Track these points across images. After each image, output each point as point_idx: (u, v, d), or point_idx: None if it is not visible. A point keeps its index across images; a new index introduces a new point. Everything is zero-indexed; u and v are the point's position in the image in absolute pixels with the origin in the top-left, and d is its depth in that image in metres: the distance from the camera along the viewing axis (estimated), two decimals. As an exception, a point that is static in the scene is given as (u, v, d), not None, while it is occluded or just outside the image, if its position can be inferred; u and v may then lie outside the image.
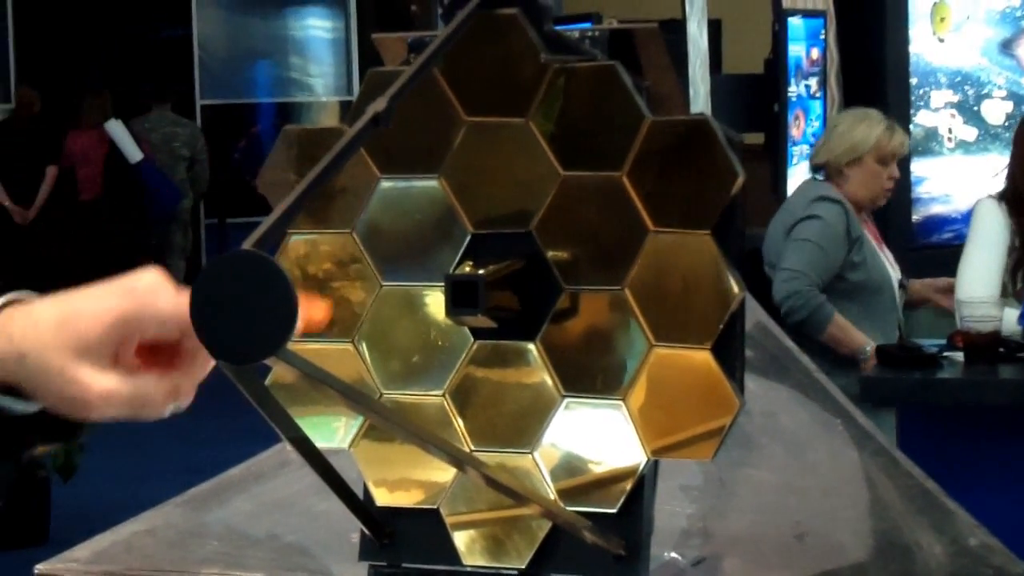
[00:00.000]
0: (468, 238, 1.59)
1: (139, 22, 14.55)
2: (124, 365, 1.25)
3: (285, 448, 1.47)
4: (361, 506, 1.61)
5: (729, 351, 1.51)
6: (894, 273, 5.43)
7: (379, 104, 1.35)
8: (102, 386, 1.23)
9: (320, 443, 1.54)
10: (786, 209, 5.42)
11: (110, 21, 14.42)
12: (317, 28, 15.10)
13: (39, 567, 1.89)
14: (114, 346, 1.24)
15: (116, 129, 11.87)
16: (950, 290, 5.37)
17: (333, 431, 1.63)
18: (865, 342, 5.13)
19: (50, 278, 5.49)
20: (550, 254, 1.56)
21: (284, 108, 14.69)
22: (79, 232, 11.83)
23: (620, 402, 1.55)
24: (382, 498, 1.64)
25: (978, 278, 5.14)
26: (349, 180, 1.61)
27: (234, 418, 4.61)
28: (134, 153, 11.81)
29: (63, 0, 14.13)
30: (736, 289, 1.50)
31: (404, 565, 1.63)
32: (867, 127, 5.35)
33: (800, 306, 5.09)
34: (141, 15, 14.50)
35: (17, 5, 14.09)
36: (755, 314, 2.30)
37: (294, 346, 1.55)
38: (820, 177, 5.42)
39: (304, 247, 1.63)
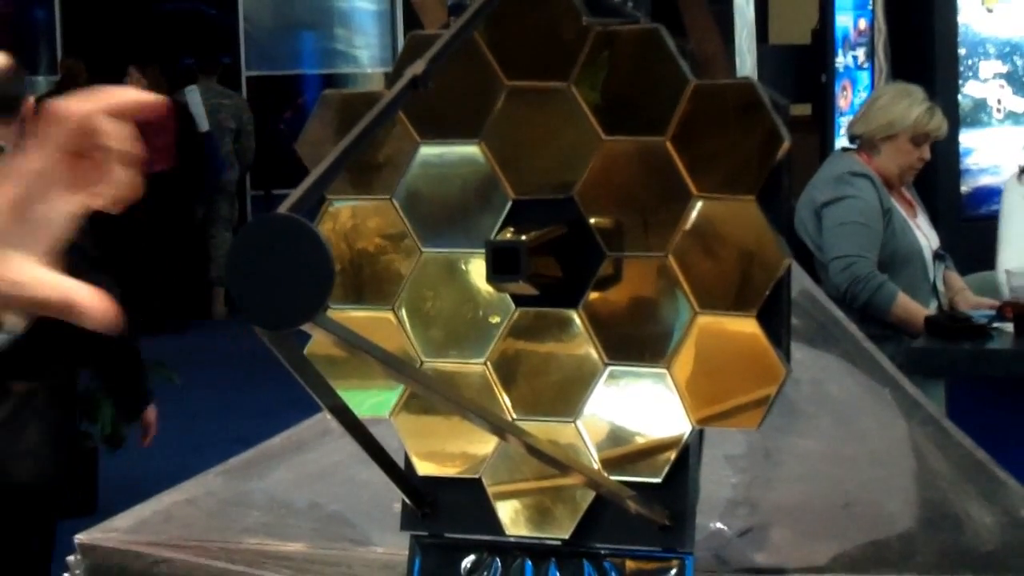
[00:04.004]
0: (509, 204, 1.57)
1: (185, -6, 14.59)
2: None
3: (326, 417, 1.46)
4: (402, 476, 1.60)
5: (775, 318, 1.49)
6: (928, 243, 5.38)
7: (417, 67, 1.32)
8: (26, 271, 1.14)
9: (360, 412, 1.53)
10: (814, 183, 5.39)
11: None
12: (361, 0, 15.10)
13: (79, 536, 1.88)
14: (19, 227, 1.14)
15: (193, 96, 11.85)
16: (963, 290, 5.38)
17: (373, 401, 1.62)
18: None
19: (116, 251, 5.41)
20: (592, 220, 1.54)
21: (329, 79, 14.67)
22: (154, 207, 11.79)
23: (664, 371, 1.53)
24: (423, 468, 1.62)
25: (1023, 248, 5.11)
26: (389, 146, 1.60)
27: (283, 389, 4.60)
28: (204, 122, 11.81)
29: (109, -28, 14.17)
30: (782, 255, 1.48)
31: (446, 535, 1.62)
32: (907, 105, 5.32)
33: (862, 289, 5.06)
34: (187, -13, 14.54)
35: (63, -22, 14.15)
36: (801, 281, 2.28)
37: (332, 314, 1.54)
38: (854, 147, 5.39)
39: (345, 213, 1.62)
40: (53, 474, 4.36)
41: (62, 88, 12.37)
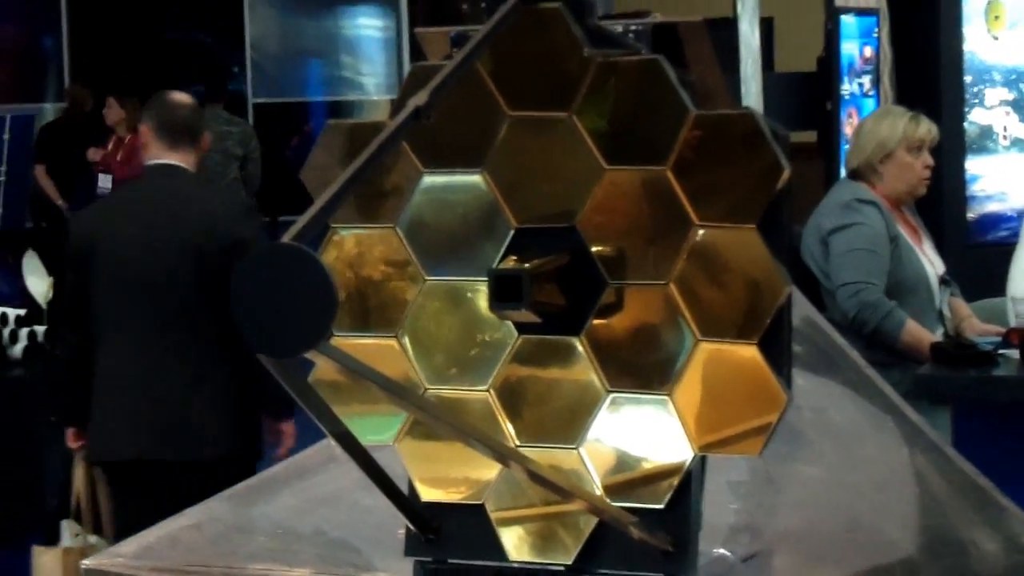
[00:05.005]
0: (512, 233, 1.58)
1: (192, 22, 14.62)
2: None
3: (331, 443, 1.47)
4: (406, 502, 1.61)
5: (776, 346, 1.50)
6: (933, 269, 5.39)
7: (420, 97, 1.34)
8: None
9: (365, 439, 1.54)
10: (820, 211, 5.40)
11: (163, 21, 14.50)
12: (368, 27, 15.14)
13: (86, 563, 1.89)
14: None
15: None
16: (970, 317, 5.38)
17: (377, 427, 1.63)
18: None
19: None
20: (594, 249, 1.55)
21: (336, 107, 14.71)
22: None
23: (666, 398, 1.54)
24: (427, 494, 1.63)
25: None
26: (393, 175, 1.61)
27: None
28: None
29: (117, 1, 14.21)
30: (783, 283, 1.49)
31: (450, 561, 1.63)
32: (891, 121, 5.34)
33: (870, 316, 5.06)
34: (193, 15, 14.57)
35: (71, 5, 14.18)
36: (803, 308, 2.29)
37: (337, 341, 1.55)
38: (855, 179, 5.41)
39: (349, 241, 1.63)
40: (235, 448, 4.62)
41: (68, 115, 12.41)
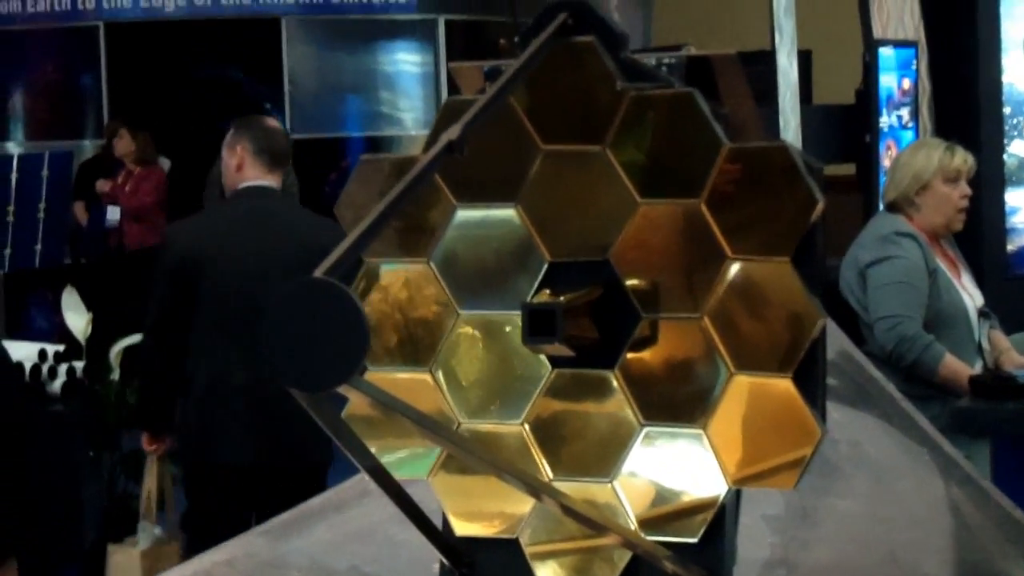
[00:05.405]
0: (545, 266, 1.58)
1: (230, 59, 14.71)
2: None
3: (365, 478, 1.47)
4: (440, 536, 1.61)
5: (811, 379, 1.50)
6: (972, 302, 5.38)
7: (453, 131, 1.35)
8: None
9: (398, 474, 1.54)
10: (859, 243, 5.40)
11: (201, 58, 14.60)
12: (406, 63, 15.20)
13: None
14: None
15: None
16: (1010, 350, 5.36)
17: (411, 462, 1.63)
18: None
19: (142, 307, 5.69)
20: (628, 282, 1.55)
21: (373, 142, 14.77)
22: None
23: (700, 431, 1.54)
24: (461, 528, 1.63)
25: None
26: (427, 209, 1.62)
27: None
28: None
29: (155, 39, 14.31)
30: (817, 316, 1.49)
31: (484, 595, 1.63)
32: (926, 153, 5.36)
33: (908, 349, 5.06)
34: (232, 52, 14.66)
35: (110, 43, 14.29)
36: (839, 341, 2.29)
37: (370, 376, 1.55)
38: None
39: (383, 276, 1.63)
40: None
41: (106, 151, 12.51)
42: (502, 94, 1.47)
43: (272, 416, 4.92)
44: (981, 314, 5.40)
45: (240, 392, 4.97)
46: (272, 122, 5.62)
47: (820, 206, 1.49)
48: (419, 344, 1.62)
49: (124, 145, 12.24)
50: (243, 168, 5.28)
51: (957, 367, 5.11)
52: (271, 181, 5.31)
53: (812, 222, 1.49)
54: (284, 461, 4.99)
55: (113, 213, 12.02)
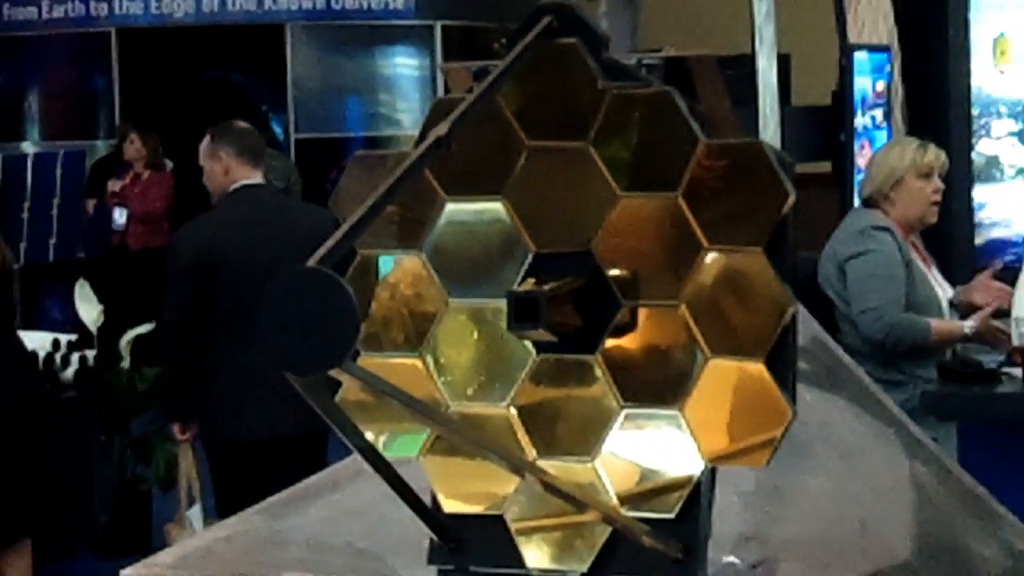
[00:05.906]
0: (530, 257, 1.65)
1: (236, 62, 14.83)
2: None
3: (358, 459, 1.53)
4: (429, 513, 1.67)
5: (782, 363, 1.56)
6: (943, 293, 5.49)
7: (441, 128, 1.41)
8: None
9: (389, 454, 1.61)
10: (837, 238, 5.48)
11: (209, 61, 14.70)
12: (404, 66, 15.34)
13: (125, 572, 1.96)
14: None
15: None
16: (983, 288, 5.44)
17: (402, 443, 1.69)
18: (963, 326, 5.22)
19: (148, 300, 5.90)
20: (609, 272, 1.61)
21: (373, 141, 14.83)
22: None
23: (677, 413, 1.60)
24: (449, 505, 1.69)
25: None
26: (417, 202, 1.68)
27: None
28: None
29: (165, 44, 14.37)
30: (788, 302, 1.56)
31: (471, 568, 1.69)
32: (900, 150, 5.46)
33: (901, 335, 5.15)
34: (238, 55, 14.78)
35: (122, 48, 14.35)
36: (811, 328, 2.35)
37: (363, 360, 1.62)
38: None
39: (375, 265, 1.69)
40: None
41: (118, 151, 12.55)
42: (489, 93, 1.53)
43: (287, 391, 5.05)
44: (951, 304, 5.51)
45: (260, 376, 5.11)
46: (243, 124, 5.85)
47: (791, 199, 1.55)
48: (409, 330, 1.68)
49: (135, 150, 12.27)
50: (231, 171, 5.58)
51: (943, 327, 5.23)
52: (258, 177, 5.61)
53: (784, 214, 1.56)
54: (302, 429, 5.11)
55: (120, 215, 12.02)
